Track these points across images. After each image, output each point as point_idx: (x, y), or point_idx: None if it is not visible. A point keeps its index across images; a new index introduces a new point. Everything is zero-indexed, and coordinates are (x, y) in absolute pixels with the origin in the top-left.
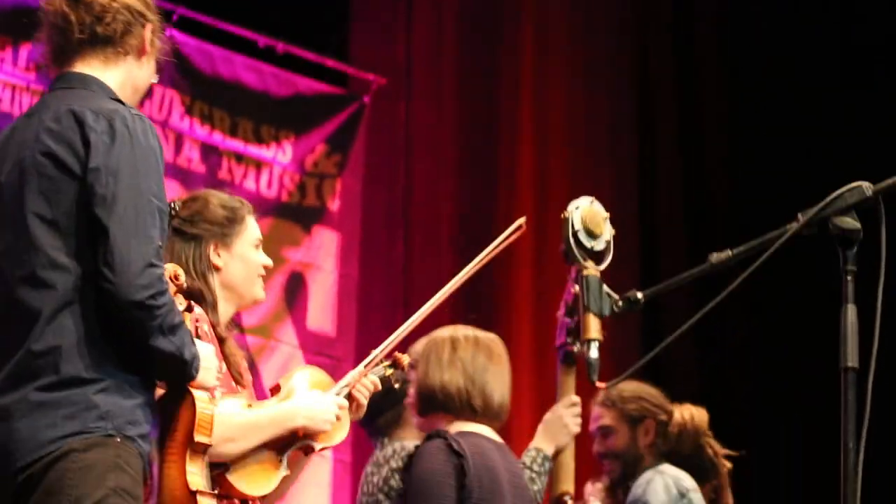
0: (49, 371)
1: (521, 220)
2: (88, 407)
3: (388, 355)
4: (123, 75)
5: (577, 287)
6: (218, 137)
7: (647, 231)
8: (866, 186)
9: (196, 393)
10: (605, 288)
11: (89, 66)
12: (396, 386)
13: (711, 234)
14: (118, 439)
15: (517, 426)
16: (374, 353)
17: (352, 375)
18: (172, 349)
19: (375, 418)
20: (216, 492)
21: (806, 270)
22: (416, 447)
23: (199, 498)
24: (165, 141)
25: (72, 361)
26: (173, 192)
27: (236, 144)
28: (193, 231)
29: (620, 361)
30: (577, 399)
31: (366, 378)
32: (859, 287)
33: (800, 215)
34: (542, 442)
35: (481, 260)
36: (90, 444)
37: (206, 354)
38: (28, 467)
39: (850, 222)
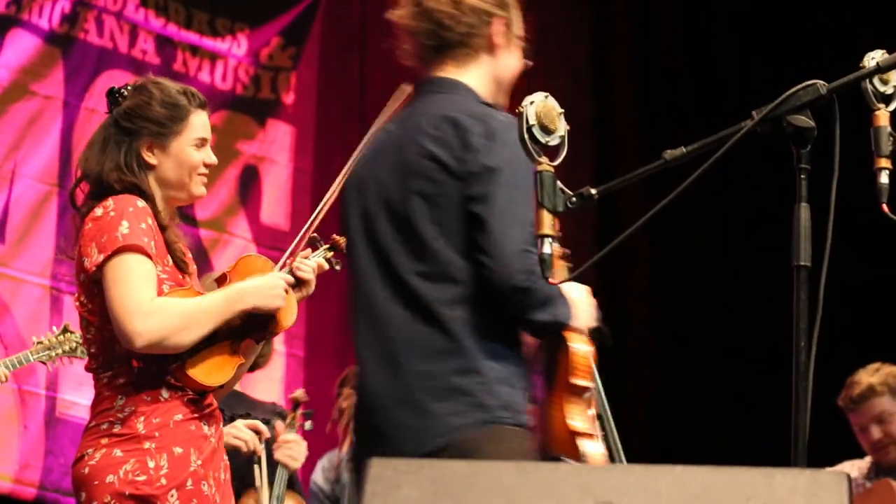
0: (454, 358)
1: (403, 86)
2: (492, 395)
3: (328, 239)
4: (481, 73)
5: None
6: (173, 29)
7: (602, 131)
8: (821, 85)
9: (572, 341)
10: (559, 184)
11: (446, 71)
12: (337, 268)
13: (667, 135)
14: (519, 429)
15: None
16: (301, 232)
17: (286, 256)
18: (550, 319)
19: None
20: (178, 384)
21: (759, 170)
22: None
23: (577, 439)
24: (120, 32)
25: (473, 350)
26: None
27: (191, 37)
28: (129, 125)
29: (576, 258)
30: None
31: (310, 260)
32: (812, 186)
33: (754, 113)
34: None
35: (374, 131)
36: (495, 434)
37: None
38: (435, 453)
39: (805, 120)
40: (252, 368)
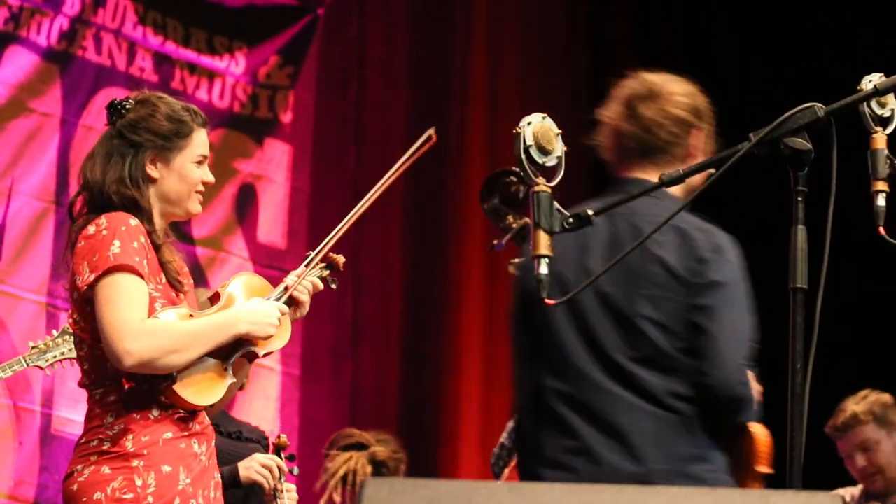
0: (688, 446)
1: (431, 131)
2: (720, 484)
3: (324, 258)
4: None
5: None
6: (171, 47)
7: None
8: (818, 107)
9: (755, 428)
10: (556, 204)
11: (646, 173)
12: (333, 287)
13: None
14: None
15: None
16: (311, 255)
17: (289, 279)
18: (752, 419)
19: None
20: (168, 402)
21: (755, 192)
22: None
23: None
24: (118, 49)
25: (703, 439)
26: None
27: (189, 55)
28: (134, 138)
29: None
30: None
31: (306, 280)
32: (809, 208)
33: (751, 135)
34: None
35: (394, 172)
36: None
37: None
38: None
39: (802, 143)
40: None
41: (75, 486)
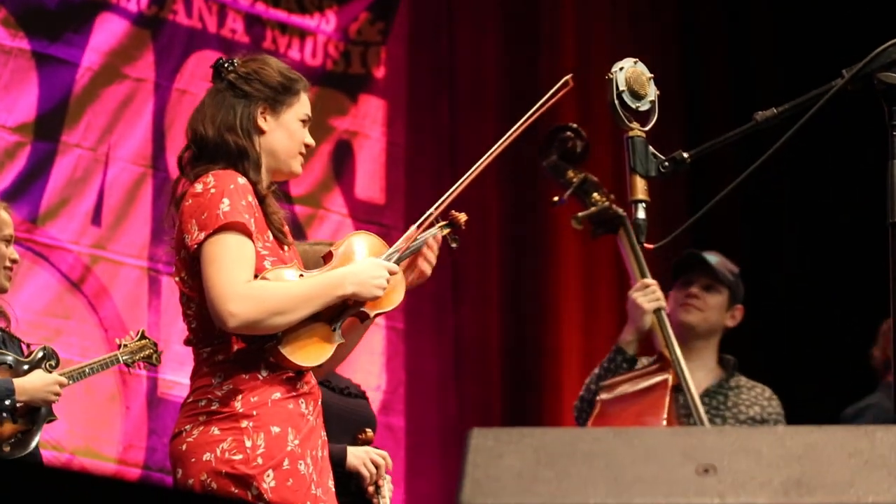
0: None
1: (568, 77)
2: None
3: (444, 214)
4: None
5: None
6: (261, 7)
7: (692, 94)
8: None
9: None
10: (651, 149)
11: None
12: (454, 245)
13: (756, 98)
14: None
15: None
16: (426, 214)
17: (404, 238)
18: None
19: None
20: (271, 361)
21: (851, 129)
22: None
23: None
24: (209, 12)
25: None
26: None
27: (280, 14)
28: (246, 88)
29: (670, 223)
30: (649, 281)
31: (420, 238)
32: None
33: (844, 72)
34: (622, 334)
35: (528, 118)
36: None
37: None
38: None
39: (895, 77)
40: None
41: (184, 447)
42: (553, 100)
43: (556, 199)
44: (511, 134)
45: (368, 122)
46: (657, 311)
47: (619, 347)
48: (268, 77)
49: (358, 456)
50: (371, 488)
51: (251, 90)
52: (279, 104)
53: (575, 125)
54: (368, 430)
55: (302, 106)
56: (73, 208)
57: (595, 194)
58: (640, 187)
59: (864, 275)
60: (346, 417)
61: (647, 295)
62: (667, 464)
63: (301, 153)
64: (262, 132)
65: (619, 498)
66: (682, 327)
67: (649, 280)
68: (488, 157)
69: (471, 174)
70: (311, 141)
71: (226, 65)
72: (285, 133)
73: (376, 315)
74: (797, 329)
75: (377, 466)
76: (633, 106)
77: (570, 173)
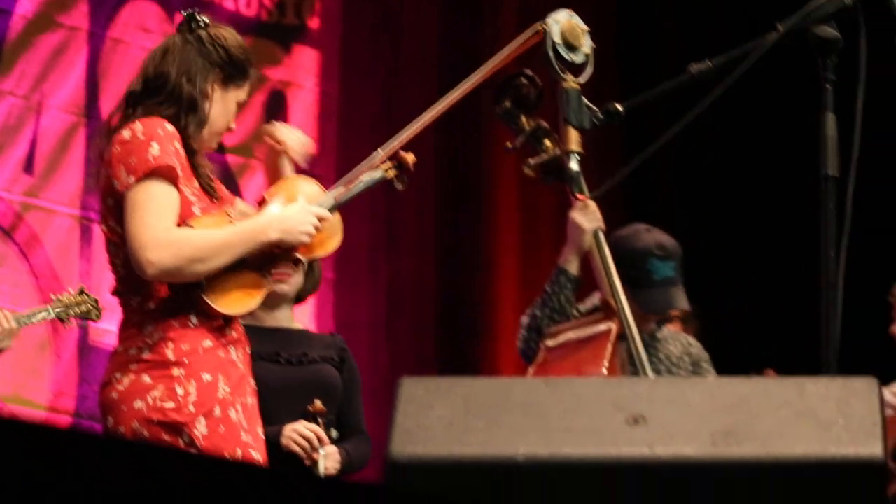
0: None
1: (538, 25)
2: None
3: (393, 156)
4: None
5: None
6: None
7: (626, 48)
8: None
9: None
10: (585, 101)
11: None
12: (400, 187)
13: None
14: None
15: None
16: (372, 155)
17: (343, 181)
18: None
19: None
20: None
21: (784, 82)
22: None
23: None
24: None
25: None
26: (153, 15)
27: None
28: (211, 51)
29: (603, 175)
30: (587, 202)
31: (362, 181)
32: (837, 98)
33: (779, 25)
34: (561, 255)
35: (494, 64)
36: None
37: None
38: None
39: (830, 31)
40: (303, 296)
41: (115, 395)
42: (521, 48)
43: (508, 145)
44: (474, 79)
45: (302, 73)
46: (595, 231)
47: (561, 268)
48: (232, 50)
49: (287, 436)
50: (307, 462)
51: (215, 54)
52: (230, 80)
53: (530, 72)
54: (317, 401)
55: (244, 91)
56: (5, 156)
57: (547, 141)
58: (574, 139)
59: (799, 227)
60: (293, 389)
61: (588, 215)
62: (597, 414)
63: (221, 133)
64: (207, 98)
65: (549, 448)
66: None
67: (589, 200)
68: (447, 102)
69: (426, 119)
70: (234, 127)
71: (199, 20)
72: (223, 109)
73: (311, 261)
74: (731, 281)
75: (308, 440)
76: (568, 58)
77: (524, 120)
